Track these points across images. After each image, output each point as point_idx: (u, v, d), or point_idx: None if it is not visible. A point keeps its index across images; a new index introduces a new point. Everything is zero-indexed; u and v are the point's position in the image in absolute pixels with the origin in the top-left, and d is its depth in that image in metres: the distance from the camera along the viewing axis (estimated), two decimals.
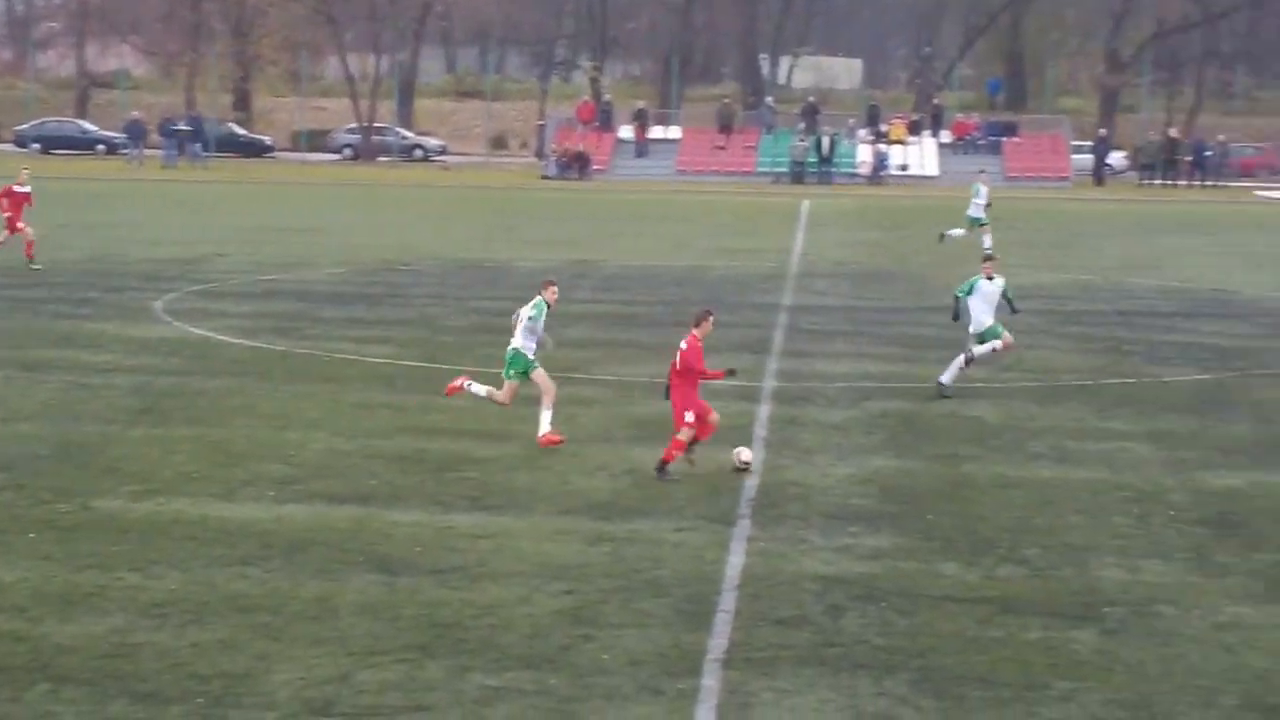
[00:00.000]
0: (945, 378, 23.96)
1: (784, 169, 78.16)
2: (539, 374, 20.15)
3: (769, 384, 24.85)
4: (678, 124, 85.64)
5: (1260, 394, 24.70)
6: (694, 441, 18.81)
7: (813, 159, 78.17)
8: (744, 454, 19.21)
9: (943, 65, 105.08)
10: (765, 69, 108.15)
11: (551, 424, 19.99)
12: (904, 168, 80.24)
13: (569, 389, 22.17)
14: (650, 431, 20.42)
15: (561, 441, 19.95)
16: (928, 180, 78.86)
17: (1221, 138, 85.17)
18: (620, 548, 15.97)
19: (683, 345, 18.82)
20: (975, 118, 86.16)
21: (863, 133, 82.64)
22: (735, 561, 15.61)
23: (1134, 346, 29.36)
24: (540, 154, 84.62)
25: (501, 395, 20.54)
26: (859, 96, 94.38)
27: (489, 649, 13.09)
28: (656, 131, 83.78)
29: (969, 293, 24.23)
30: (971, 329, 24.31)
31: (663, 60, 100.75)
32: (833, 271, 41.30)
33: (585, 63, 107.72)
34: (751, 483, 18.58)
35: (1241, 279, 40.26)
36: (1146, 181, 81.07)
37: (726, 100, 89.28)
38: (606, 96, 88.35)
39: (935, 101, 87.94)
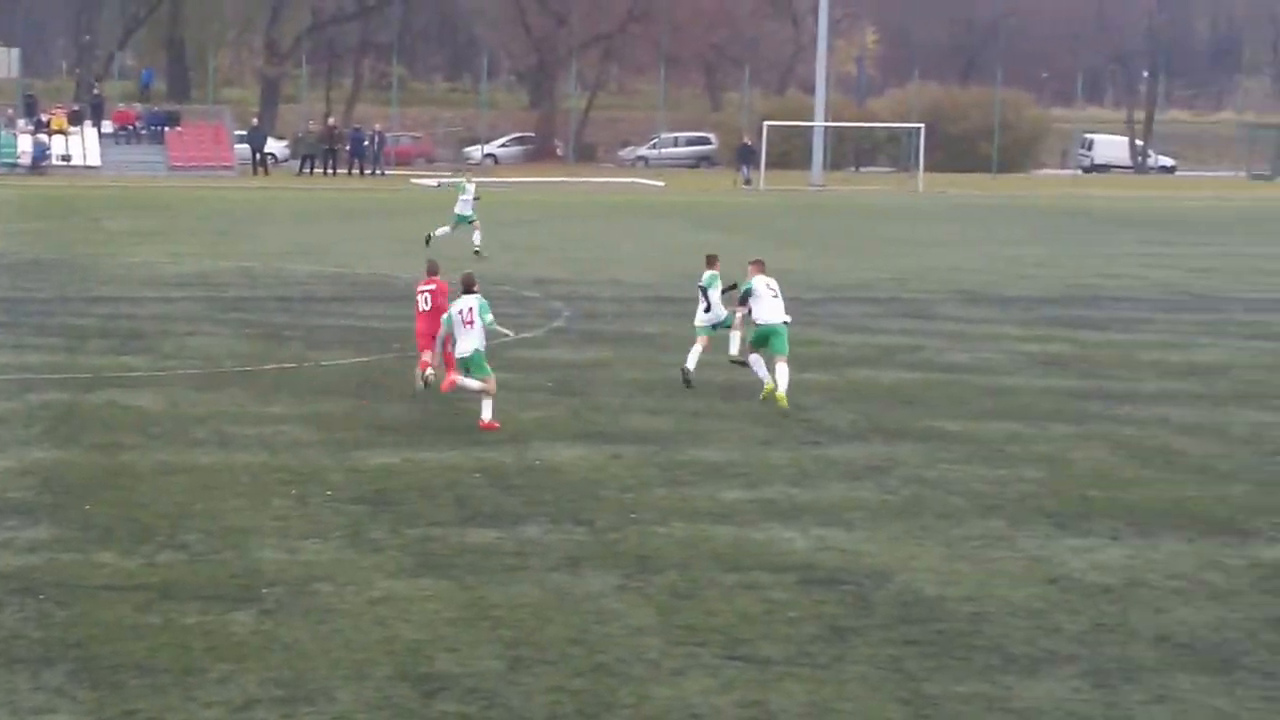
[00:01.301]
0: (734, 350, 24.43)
1: None
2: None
3: None
4: None
5: (414, 373, 25.55)
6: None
7: None
8: None
9: (104, 55, 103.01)
10: None
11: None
12: (66, 158, 78.49)
13: None
14: None
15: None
16: (90, 170, 77.67)
17: (378, 127, 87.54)
18: None
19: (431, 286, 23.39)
20: (137, 108, 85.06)
21: (22, 123, 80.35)
22: None
23: (294, 332, 29.82)
24: None
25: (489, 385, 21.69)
26: (17, 85, 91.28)
27: None
28: None
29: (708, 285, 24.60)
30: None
31: None
32: None
33: None
34: None
35: (398, 263, 41.53)
36: (307, 170, 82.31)
37: None
38: None
39: (96, 91, 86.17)
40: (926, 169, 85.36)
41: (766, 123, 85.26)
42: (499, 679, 12.59)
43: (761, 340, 23.59)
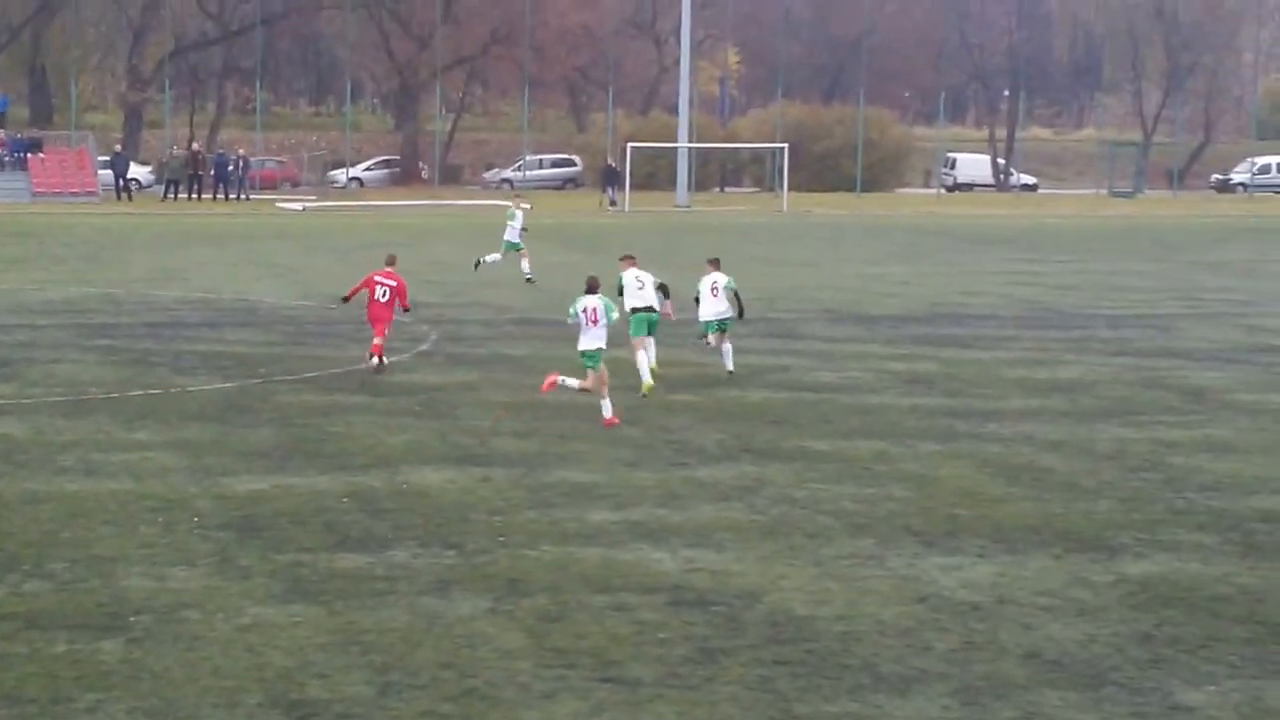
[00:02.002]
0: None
1: None
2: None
3: None
4: None
5: (282, 399, 25.43)
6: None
7: None
8: None
9: None
10: None
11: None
12: None
13: None
14: None
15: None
16: None
17: (243, 151, 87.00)
18: None
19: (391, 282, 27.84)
20: (0, 134, 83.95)
21: None
22: None
23: (160, 358, 29.53)
24: None
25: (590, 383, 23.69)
26: None
27: None
28: None
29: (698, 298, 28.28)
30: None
31: None
32: None
33: None
34: None
35: (265, 287, 41.29)
36: (171, 195, 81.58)
37: None
38: None
39: None
40: (791, 188, 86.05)
41: (631, 144, 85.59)
42: (370, 704, 12.53)
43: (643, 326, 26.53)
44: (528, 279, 43.25)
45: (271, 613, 14.69)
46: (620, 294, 26.70)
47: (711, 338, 28.64)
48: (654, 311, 26.53)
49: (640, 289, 26.79)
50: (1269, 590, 15.81)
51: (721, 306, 28.15)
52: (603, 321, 23.49)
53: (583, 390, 23.79)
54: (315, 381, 27.29)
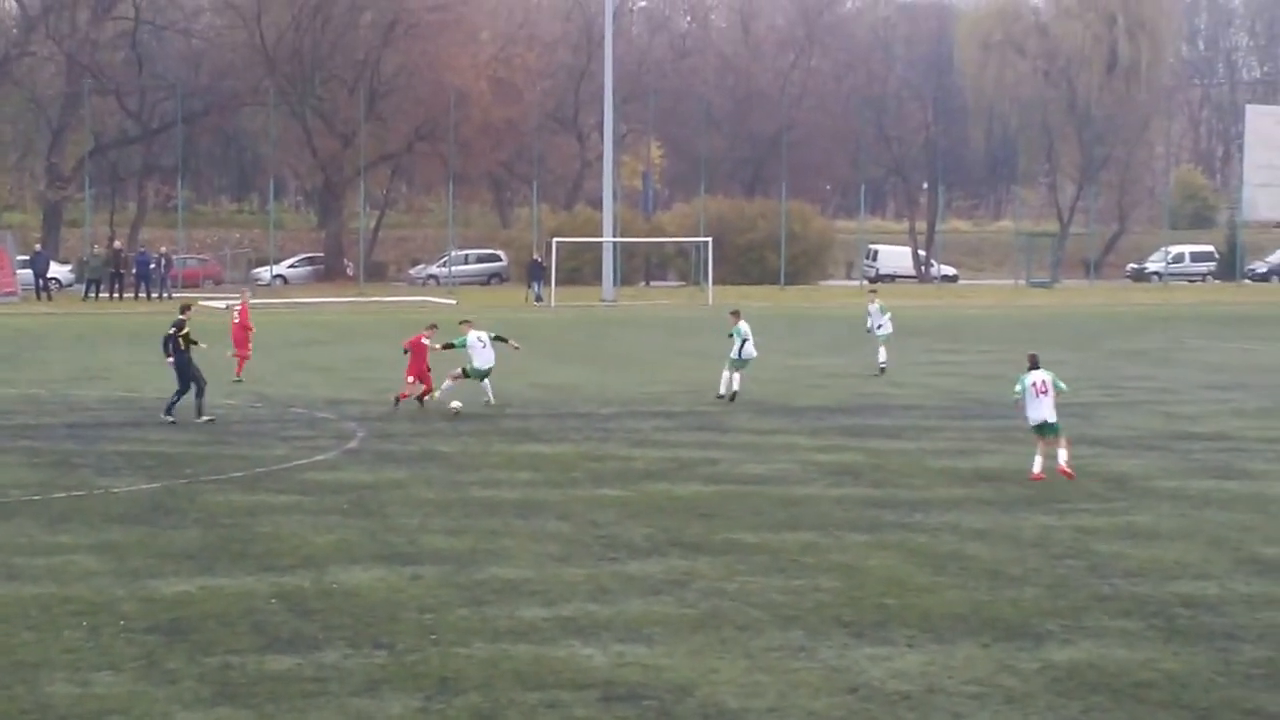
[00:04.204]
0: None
1: None
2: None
3: None
4: None
5: (208, 499, 25.26)
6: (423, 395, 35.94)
7: None
8: None
9: None
10: None
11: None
12: None
13: None
14: None
15: None
16: None
17: (164, 249, 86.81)
18: None
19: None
20: None
21: None
22: None
23: (83, 458, 29.31)
24: None
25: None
26: None
27: None
28: None
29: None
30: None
31: None
32: None
33: None
34: None
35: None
36: (93, 295, 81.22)
37: None
38: None
39: None
40: (716, 281, 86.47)
41: (556, 239, 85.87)
42: None
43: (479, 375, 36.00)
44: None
45: (199, 717, 14.56)
46: (457, 346, 35.58)
47: None
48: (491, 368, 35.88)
49: (483, 348, 35.70)
50: (1192, 675, 15.92)
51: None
52: (1051, 392, 26.98)
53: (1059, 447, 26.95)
54: (241, 481, 27.14)
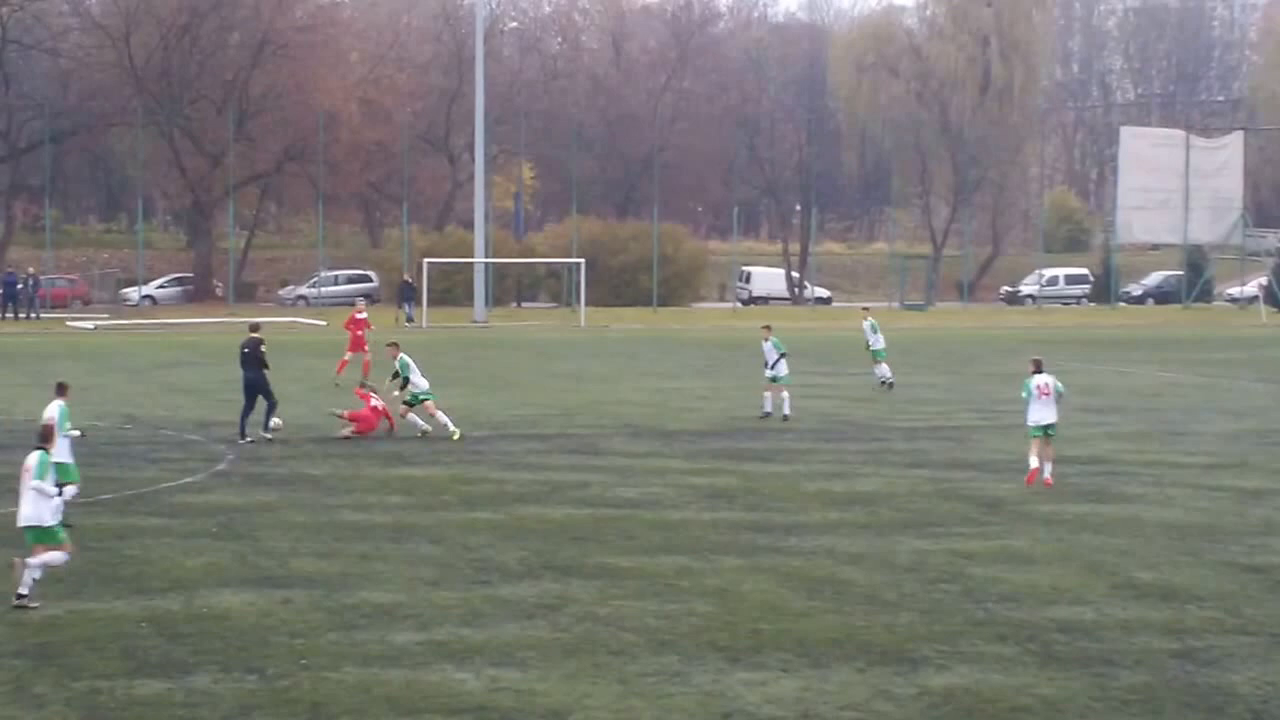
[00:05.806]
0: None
1: None
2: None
3: None
4: None
5: (75, 522, 24.81)
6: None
7: None
8: None
9: None
10: None
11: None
12: None
13: None
14: None
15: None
16: None
17: (32, 270, 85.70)
18: None
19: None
20: None
21: None
22: None
23: None
24: None
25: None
26: None
27: None
28: None
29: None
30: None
31: None
32: None
33: None
34: None
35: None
36: None
37: None
38: None
39: None
40: (588, 303, 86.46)
41: (427, 260, 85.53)
42: None
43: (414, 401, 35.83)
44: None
45: None
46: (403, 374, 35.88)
47: None
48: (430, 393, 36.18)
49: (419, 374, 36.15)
50: (1068, 700, 16.05)
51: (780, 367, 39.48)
52: (1053, 394, 28.62)
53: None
54: (110, 504, 26.80)
